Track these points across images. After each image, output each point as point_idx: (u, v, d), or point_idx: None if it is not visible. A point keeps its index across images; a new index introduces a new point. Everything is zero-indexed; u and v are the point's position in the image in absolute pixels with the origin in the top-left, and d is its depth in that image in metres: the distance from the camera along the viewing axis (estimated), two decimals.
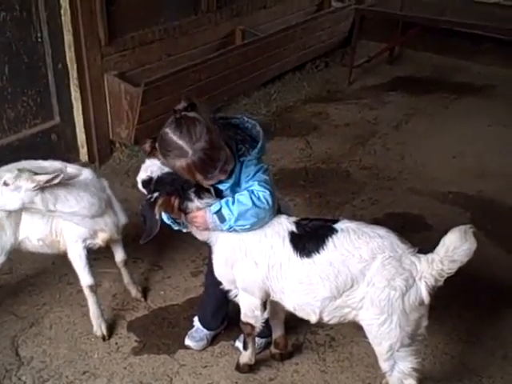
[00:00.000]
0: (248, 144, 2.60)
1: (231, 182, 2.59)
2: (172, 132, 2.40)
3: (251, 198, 2.52)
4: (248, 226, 2.56)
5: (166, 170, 2.59)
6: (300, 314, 2.67)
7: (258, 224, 2.57)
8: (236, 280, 2.72)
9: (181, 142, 2.39)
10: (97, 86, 4.70)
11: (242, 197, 2.54)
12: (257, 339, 3.05)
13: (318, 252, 2.50)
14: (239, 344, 3.14)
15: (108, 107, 4.85)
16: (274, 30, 6.05)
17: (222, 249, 2.69)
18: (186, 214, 2.61)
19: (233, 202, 2.54)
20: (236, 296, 2.82)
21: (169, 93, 4.93)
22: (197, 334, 3.19)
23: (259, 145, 2.59)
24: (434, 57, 7.05)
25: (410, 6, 6.55)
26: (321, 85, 6.42)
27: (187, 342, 3.19)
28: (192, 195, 2.58)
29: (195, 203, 2.59)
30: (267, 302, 2.78)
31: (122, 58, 4.88)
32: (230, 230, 2.56)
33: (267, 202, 2.53)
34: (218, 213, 2.54)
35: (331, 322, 2.65)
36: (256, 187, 2.55)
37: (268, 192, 2.55)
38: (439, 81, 6.56)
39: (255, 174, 2.58)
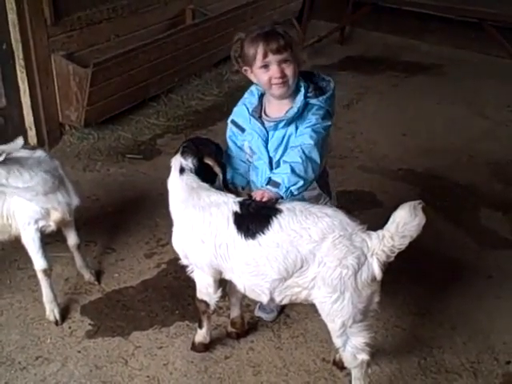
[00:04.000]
0: (318, 92, 2.76)
1: (293, 112, 2.70)
2: None
3: (299, 154, 2.63)
4: (302, 183, 2.62)
5: None
6: (251, 295, 2.68)
7: (310, 180, 2.68)
8: (188, 255, 2.74)
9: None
10: (44, 67, 4.59)
11: (287, 157, 2.66)
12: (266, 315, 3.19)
13: (263, 233, 2.49)
14: (261, 313, 3.20)
15: (56, 89, 4.75)
16: (224, 9, 5.99)
17: (176, 224, 2.75)
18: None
19: (278, 167, 2.70)
20: (192, 272, 2.82)
21: (118, 74, 4.87)
22: (267, 305, 3.14)
23: (327, 94, 2.75)
24: (384, 36, 7.13)
25: None
26: None
27: (258, 313, 3.22)
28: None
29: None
30: (228, 282, 2.80)
31: (69, 39, 4.76)
32: (287, 193, 2.61)
33: (311, 155, 2.64)
34: (270, 182, 2.63)
35: (284, 302, 2.67)
36: (305, 139, 2.66)
37: (313, 143, 2.65)
38: (389, 60, 6.65)
39: (315, 124, 2.69)
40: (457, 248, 3.81)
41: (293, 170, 2.60)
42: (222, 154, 2.87)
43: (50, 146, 4.80)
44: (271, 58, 2.68)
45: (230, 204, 2.61)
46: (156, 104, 5.46)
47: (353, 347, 2.59)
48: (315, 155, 2.65)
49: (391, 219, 2.44)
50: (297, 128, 2.74)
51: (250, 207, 2.57)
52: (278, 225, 2.48)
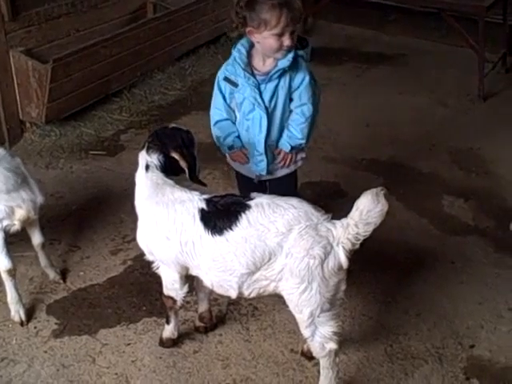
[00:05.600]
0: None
1: (288, 62, 2.95)
2: None
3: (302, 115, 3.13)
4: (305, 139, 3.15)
5: None
6: (218, 290, 2.69)
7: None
8: (152, 252, 2.73)
9: None
10: (2, 64, 4.50)
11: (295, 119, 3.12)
12: None
13: (231, 229, 2.51)
14: None
15: (16, 86, 4.65)
16: (185, 2, 5.94)
17: (140, 220, 2.74)
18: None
19: (272, 116, 3.04)
20: (158, 268, 2.82)
21: (79, 69, 4.80)
22: None
23: (308, 47, 3.17)
24: (345, 27, 7.17)
25: None
26: None
27: None
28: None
29: None
30: (195, 277, 2.80)
31: (27, 35, 4.67)
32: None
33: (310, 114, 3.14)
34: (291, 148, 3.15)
35: (252, 296, 2.68)
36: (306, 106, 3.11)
37: (311, 107, 3.14)
38: (351, 51, 6.67)
39: (308, 85, 3.08)
40: (420, 235, 3.87)
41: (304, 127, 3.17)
42: (191, 144, 2.80)
43: (10, 144, 4.71)
44: (288, 28, 2.84)
45: (195, 201, 2.61)
46: (119, 99, 5.40)
47: (321, 337, 2.61)
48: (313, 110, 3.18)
49: (354, 207, 2.47)
50: (291, 79, 3.00)
51: (218, 204, 2.58)
52: (246, 220, 2.50)
